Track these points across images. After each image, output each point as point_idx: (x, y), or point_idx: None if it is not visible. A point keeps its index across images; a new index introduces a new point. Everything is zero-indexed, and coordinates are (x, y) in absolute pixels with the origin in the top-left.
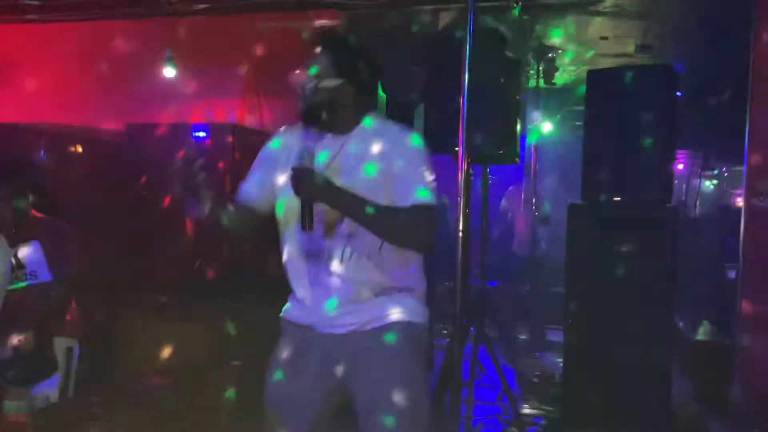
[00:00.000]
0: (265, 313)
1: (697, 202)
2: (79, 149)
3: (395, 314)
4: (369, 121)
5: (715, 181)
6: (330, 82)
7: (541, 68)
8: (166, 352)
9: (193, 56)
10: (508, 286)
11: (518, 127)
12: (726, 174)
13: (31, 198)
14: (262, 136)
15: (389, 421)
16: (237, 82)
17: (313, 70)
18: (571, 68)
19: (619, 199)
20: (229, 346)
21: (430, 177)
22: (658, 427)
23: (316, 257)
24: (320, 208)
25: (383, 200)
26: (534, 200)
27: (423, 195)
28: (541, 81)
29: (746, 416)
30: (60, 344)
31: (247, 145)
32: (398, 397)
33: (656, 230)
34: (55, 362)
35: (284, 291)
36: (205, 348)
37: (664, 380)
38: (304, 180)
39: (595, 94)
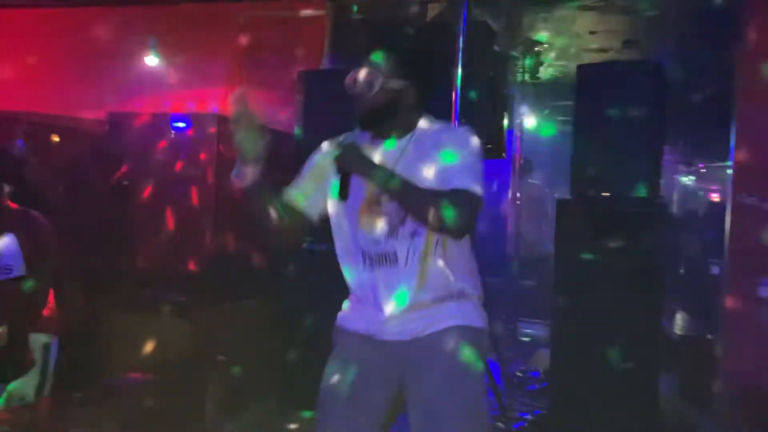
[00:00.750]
0: (249, 306)
1: (676, 198)
2: (58, 138)
3: (455, 319)
4: (425, 123)
5: (692, 177)
6: (395, 84)
7: (527, 63)
8: (149, 346)
9: (176, 45)
10: (500, 281)
11: (505, 121)
12: (704, 170)
13: (6, 189)
14: None
15: (448, 426)
16: (221, 71)
17: (377, 71)
18: (558, 63)
19: (608, 194)
20: (215, 340)
21: (479, 172)
22: (645, 422)
23: (379, 261)
24: (362, 192)
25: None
26: (518, 195)
27: (466, 182)
28: (527, 76)
29: (730, 410)
30: (36, 340)
31: (231, 136)
32: (458, 403)
33: (645, 226)
34: (31, 359)
35: (269, 283)
36: (190, 342)
37: (652, 375)
38: (344, 152)
39: (584, 89)
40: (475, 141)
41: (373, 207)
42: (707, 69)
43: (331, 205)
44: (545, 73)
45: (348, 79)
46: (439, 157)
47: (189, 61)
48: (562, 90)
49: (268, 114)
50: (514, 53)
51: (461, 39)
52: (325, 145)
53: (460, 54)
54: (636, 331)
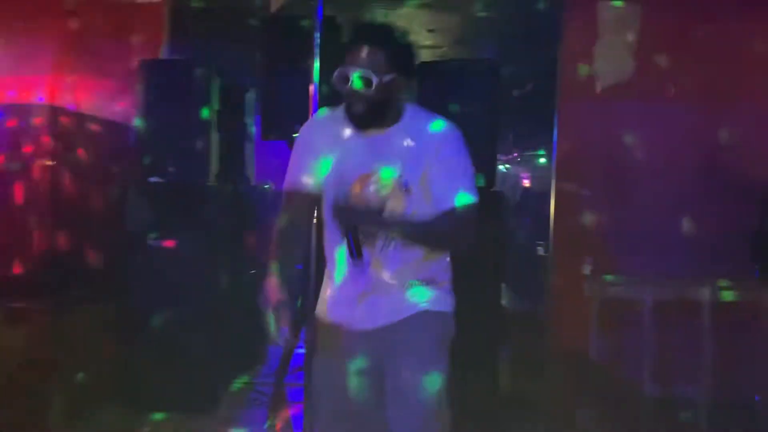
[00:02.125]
0: (90, 307)
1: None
2: None
3: (425, 304)
4: (411, 111)
5: (508, 165)
6: (387, 78)
7: None
8: None
9: None
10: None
11: None
12: (518, 159)
13: None
14: (77, 117)
15: (420, 407)
16: (47, 58)
17: (371, 67)
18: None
19: None
20: (54, 345)
21: (470, 173)
22: (484, 395)
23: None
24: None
25: (426, 192)
26: None
27: (463, 196)
28: None
29: (560, 378)
30: None
31: (59, 128)
32: (428, 385)
33: (485, 214)
34: None
35: (111, 282)
36: (27, 349)
37: (491, 350)
38: (344, 213)
39: (424, 86)
40: (456, 135)
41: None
42: (534, 67)
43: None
44: None
45: (338, 77)
46: (437, 160)
47: (9, 45)
48: None
49: (104, 104)
50: None
51: (318, 33)
52: (313, 123)
53: (317, 48)
54: (477, 310)
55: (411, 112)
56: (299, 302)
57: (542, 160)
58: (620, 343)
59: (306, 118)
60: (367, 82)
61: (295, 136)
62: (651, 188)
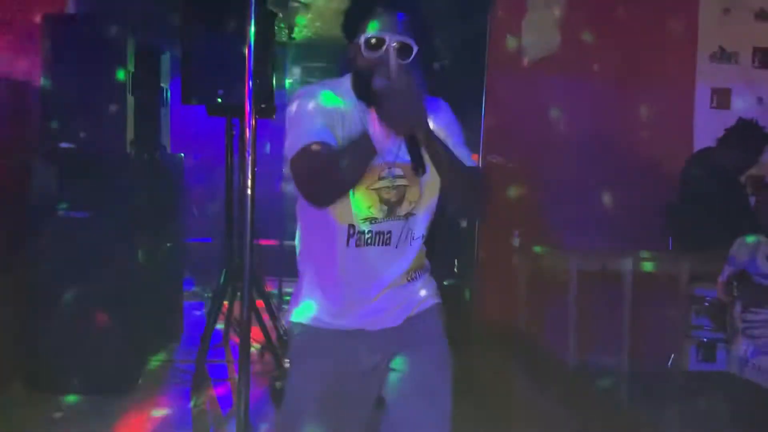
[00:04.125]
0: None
1: None
2: None
3: (432, 297)
4: None
5: None
6: (421, 48)
7: (285, 23)
8: None
9: None
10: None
11: (274, 81)
12: None
13: None
14: None
15: (439, 408)
16: None
17: (407, 35)
18: (314, 25)
19: None
20: None
21: None
22: None
23: (370, 241)
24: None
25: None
26: None
27: (470, 160)
28: (285, 35)
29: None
30: None
31: None
32: (443, 380)
33: None
34: None
35: (10, 256)
36: None
37: None
38: (407, 101)
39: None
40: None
41: (375, 181)
42: (463, 42)
43: None
44: (298, 33)
45: (370, 44)
46: (443, 135)
47: None
48: (317, 51)
49: (4, 61)
50: (277, 12)
51: None
52: (323, 90)
53: (253, 7)
54: None
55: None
56: None
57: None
58: (546, 314)
59: (232, 82)
60: (408, 51)
61: (296, 105)
62: (575, 162)
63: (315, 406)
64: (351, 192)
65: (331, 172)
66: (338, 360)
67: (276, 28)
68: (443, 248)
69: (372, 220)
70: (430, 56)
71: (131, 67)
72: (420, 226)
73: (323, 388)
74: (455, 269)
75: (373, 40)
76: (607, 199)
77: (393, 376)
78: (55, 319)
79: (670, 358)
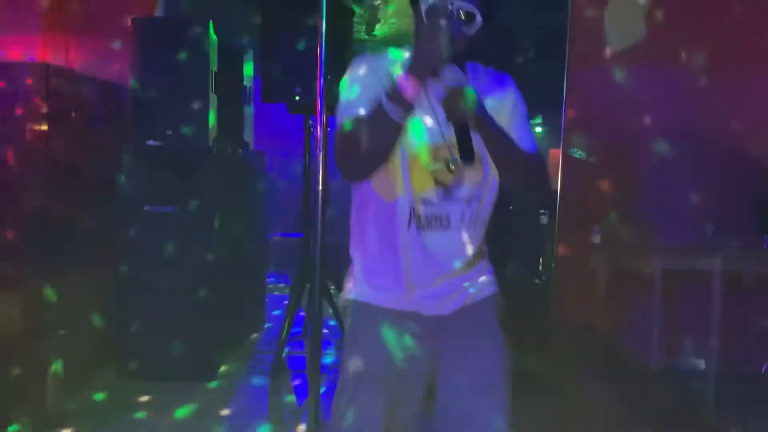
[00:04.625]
0: (86, 273)
1: None
2: None
3: (489, 285)
4: (468, 64)
5: None
6: (483, 18)
7: (365, 18)
8: None
9: None
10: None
11: None
12: None
13: None
14: (71, 78)
15: (495, 400)
16: (36, 16)
17: (472, 2)
18: (392, 20)
19: None
20: (51, 314)
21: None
22: None
23: (429, 224)
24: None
25: None
26: None
27: (533, 144)
28: (362, 32)
29: (565, 351)
30: None
31: (52, 89)
32: (496, 374)
33: None
34: None
35: (106, 249)
36: (23, 317)
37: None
38: (460, 98)
39: None
40: (516, 89)
41: (429, 162)
42: (542, 31)
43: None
44: (379, 30)
45: (434, 10)
46: (507, 115)
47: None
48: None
49: (98, 64)
50: (356, 8)
51: None
52: (371, 60)
53: (324, 7)
54: None
55: (468, 63)
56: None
57: (538, 129)
58: (628, 315)
59: (310, 80)
60: (472, 19)
61: (350, 72)
62: (661, 156)
63: (369, 385)
64: (408, 172)
65: (358, 140)
66: (392, 340)
67: (354, 25)
68: (527, 245)
69: (429, 203)
70: (499, 33)
71: (214, 67)
72: (484, 210)
73: (376, 367)
74: (540, 267)
75: (436, 6)
76: (696, 194)
77: (445, 366)
78: (143, 310)
79: (764, 364)
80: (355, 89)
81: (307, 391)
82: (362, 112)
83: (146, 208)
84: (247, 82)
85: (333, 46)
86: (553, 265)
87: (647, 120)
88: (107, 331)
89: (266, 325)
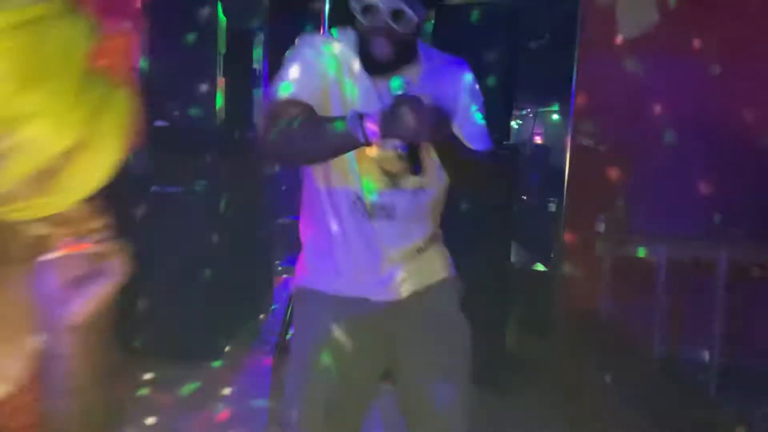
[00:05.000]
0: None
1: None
2: None
3: (444, 269)
4: (423, 52)
5: (519, 121)
6: (419, 14)
7: None
8: None
9: None
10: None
11: None
12: (531, 115)
13: None
14: None
15: (453, 383)
16: None
17: (402, 1)
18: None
19: None
20: None
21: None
22: (493, 355)
23: (377, 213)
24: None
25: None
26: None
27: (490, 142)
28: None
29: (569, 337)
30: None
31: None
32: (458, 357)
33: (499, 167)
34: None
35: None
36: None
37: (501, 308)
38: (417, 113)
39: (442, 31)
40: (471, 76)
41: (376, 152)
42: (553, 17)
43: None
44: None
45: (362, 8)
46: (460, 105)
47: None
48: None
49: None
50: None
51: None
52: (318, 42)
53: None
54: (486, 267)
55: (424, 52)
56: None
57: (555, 117)
58: (632, 303)
59: None
60: (402, 18)
61: (295, 49)
62: (669, 146)
63: (317, 373)
64: (355, 161)
65: (296, 140)
66: (342, 327)
67: None
68: (535, 234)
69: (375, 192)
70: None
71: (222, 49)
72: (433, 199)
73: (324, 355)
74: (551, 255)
75: (363, 5)
76: (705, 184)
77: (402, 351)
78: (149, 290)
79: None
80: (298, 69)
81: None
82: (299, 96)
83: (153, 188)
84: (257, 65)
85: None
86: (556, 253)
87: (657, 109)
88: (113, 310)
89: (273, 306)
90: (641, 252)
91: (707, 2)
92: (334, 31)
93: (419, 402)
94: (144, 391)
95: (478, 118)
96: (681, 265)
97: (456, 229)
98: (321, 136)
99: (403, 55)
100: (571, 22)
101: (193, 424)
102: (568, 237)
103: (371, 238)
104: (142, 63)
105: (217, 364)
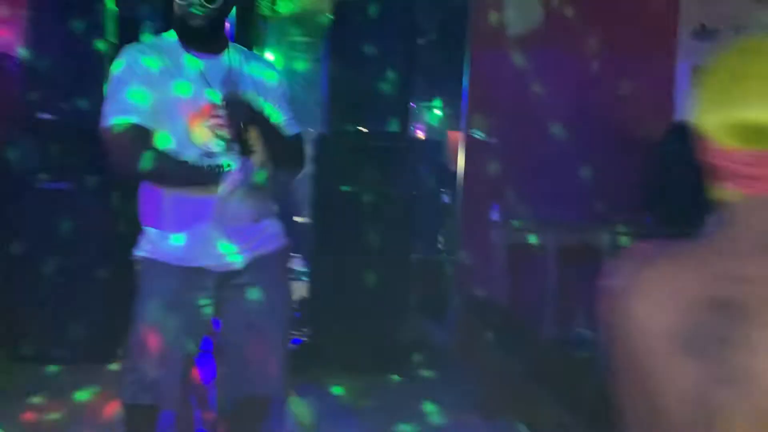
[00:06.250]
0: None
1: None
2: None
3: (278, 239)
4: (229, 38)
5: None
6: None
7: None
8: None
9: None
10: None
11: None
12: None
13: None
14: None
15: (273, 339)
16: None
17: None
18: None
19: (365, 130)
20: None
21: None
22: (393, 340)
23: (212, 184)
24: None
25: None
26: None
27: (295, 125)
28: (267, 9)
29: (465, 321)
30: None
31: None
32: (279, 317)
33: (396, 160)
34: None
35: None
36: None
37: (401, 296)
38: (239, 105)
39: (340, 26)
40: (276, 67)
41: (206, 120)
42: (444, 16)
43: (157, 116)
44: (282, 6)
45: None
46: (274, 90)
47: None
48: (301, 25)
49: None
50: None
51: None
52: (140, 49)
53: None
54: (387, 257)
55: (230, 38)
56: None
57: (436, 112)
58: (526, 288)
59: None
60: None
61: (116, 65)
62: (556, 137)
63: (159, 342)
64: (186, 125)
65: (140, 168)
66: (179, 293)
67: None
68: (427, 224)
69: (209, 155)
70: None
71: (112, 38)
72: (262, 165)
73: (165, 319)
74: (438, 245)
75: None
76: (586, 173)
77: (227, 308)
78: (37, 290)
79: None
80: (125, 89)
81: None
82: (129, 130)
83: (39, 184)
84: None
85: (238, 20)
86: (456, 243)
87: (543, 101)
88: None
89: None
90: (532, 239)
91: (587, 2)
92: (147, 36)
93: (238, 356)
94: (37, 400)
95: (289, 110)
96: (570, 249)
97: (356, 222)
98: (178, 179)
99: (217, 34)
100: (461, 18)
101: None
102: (463, 226)
103: (209, 201)
104: (23, 52)
105: (113, 367)
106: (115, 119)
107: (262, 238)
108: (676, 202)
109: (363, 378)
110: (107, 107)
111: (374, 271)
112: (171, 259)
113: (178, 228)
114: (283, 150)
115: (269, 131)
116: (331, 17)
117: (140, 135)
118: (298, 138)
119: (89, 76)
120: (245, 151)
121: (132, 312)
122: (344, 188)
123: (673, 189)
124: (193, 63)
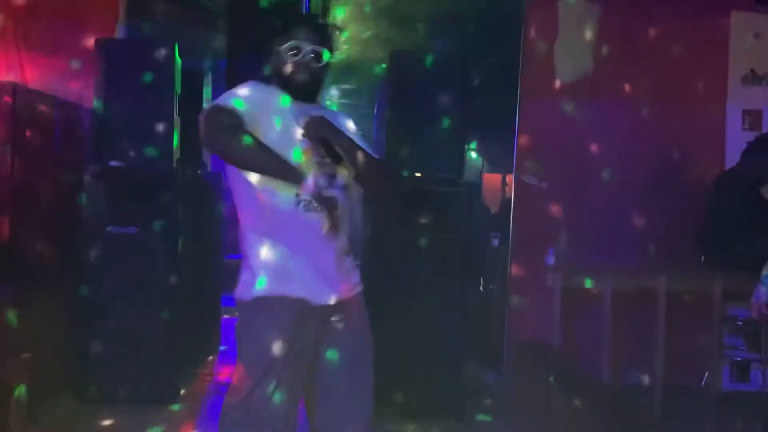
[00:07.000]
0: (48, 296)
1: None
2: None
3: (360, 283)
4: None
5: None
6: (332, 55)
7: None
8: None
9: None
10: None
11: None
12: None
13: None
14: (28, 96)
15: (364, 382)
16: None
17: (321, 44)
18: (345, 47)
19: (419, 174)
20: (13, 338)
21: None
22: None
23: (296, 182)
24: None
25: None
26: None
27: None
28: None
29: (519, 366)
30: None
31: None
32: (366, 370)
33: (453, 204)
34: None
35: (63, 271)
36: None
37: (456, 340)
38: (319, 120)
39: (396, 74)
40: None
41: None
42: (496, 62)
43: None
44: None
45: (289, 49)
46: (353, 134)
47: None
48: (351, 74)
49: (58, 83)
50: None
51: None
52: (249, 92)
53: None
54: (438, 302)
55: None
56: None
57: (473, 155)
58: (581, 333)
59: None
60: (319, 57)
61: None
62: (608, 183)
63: (264, 372)
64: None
65: (232, 146)
66: (284, 328)
67: None
68: (473, 267)
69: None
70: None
71: (178, 89)
72: (352, 199)
73: (273, 355)
74: (481, 288)
75: (290, 47)
76: (640, 219)
77: (323, 354)
78: (104, 332)
79: (704, 377)
80: (235, 93)
81: None
82: (230, 110)
83: (109, 228)
84: (207, 104)
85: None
86: (505, 286)
87: (594, 148)
88: (67, 354)
89: (222, 347)
90: (588, 283)
91: (636, 51)
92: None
93: (335, 398)
94: None
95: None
96: (625, 294)
97: (413, 264)
98: (267, 166)
99: (319, 87)
100: (512, 65)
101: None
102: (515, 269)
103: (316, 231)
104: (97, 103)
105: (176, 407)
106: (219, 101)
107: (353, 274)
108: (728, 245)
109: (421, 423)
110: (219, 97)
111: (429, 315)
112: (285, 293)
113: (288, 264)
114: (369, 165)
115: (352, 146)
116: (385, 66)
117: (240, 118)
118: (385, 162)
119: (157, 125)
120: (330, 159)
121: (197, 354)
122: (398, 232)
123: (726, 232)
124: (289, 106)
